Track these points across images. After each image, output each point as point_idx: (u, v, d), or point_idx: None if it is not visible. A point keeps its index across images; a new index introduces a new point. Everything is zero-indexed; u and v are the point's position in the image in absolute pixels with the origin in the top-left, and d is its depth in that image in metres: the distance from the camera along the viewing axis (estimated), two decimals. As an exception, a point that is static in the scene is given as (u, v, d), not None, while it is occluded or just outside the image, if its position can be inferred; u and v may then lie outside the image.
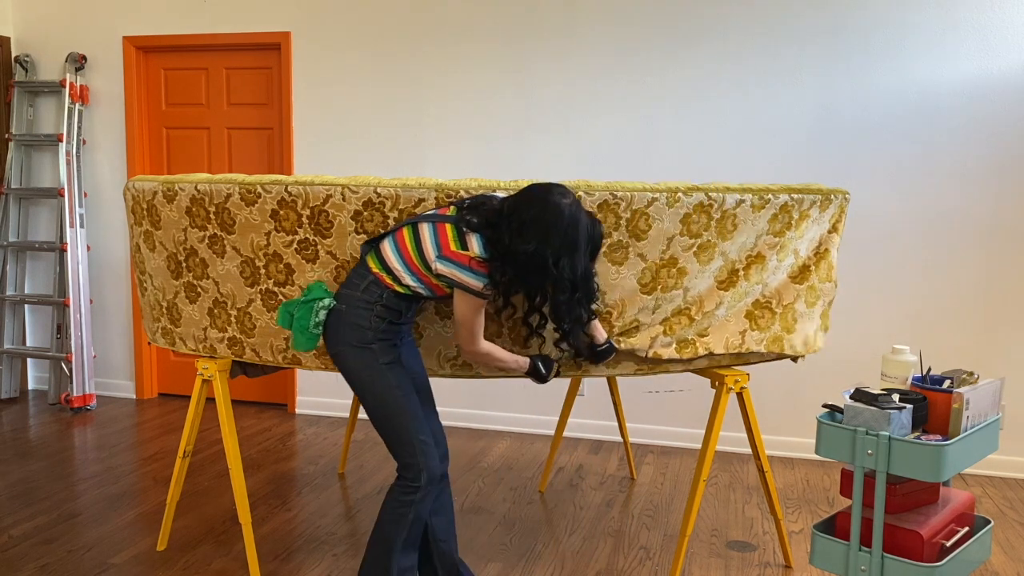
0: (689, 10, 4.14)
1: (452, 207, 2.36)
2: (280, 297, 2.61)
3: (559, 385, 4.51)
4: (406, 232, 2.33)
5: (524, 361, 2.53)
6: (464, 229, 2.25)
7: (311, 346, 2.40)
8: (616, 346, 2.63)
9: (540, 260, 2.20)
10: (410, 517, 2.35)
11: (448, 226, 2.28)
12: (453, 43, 4.44)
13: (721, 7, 4.11)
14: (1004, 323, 3.98)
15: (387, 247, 2.34)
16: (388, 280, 2.31)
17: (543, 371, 2.54)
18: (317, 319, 2.37)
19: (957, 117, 3.94)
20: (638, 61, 4.22)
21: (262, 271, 2.60)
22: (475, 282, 2.25)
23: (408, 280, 2.30)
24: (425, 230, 2.30)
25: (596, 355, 2.60)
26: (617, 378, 4.23)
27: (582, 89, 4.30)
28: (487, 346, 2.42)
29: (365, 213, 2.46)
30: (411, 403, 2.35)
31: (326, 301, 2.37)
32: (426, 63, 4.49)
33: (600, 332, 2.59)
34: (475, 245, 2.23)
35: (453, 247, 2.25)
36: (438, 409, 4.66)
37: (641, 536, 3.25)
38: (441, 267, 2.26)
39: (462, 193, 2.43)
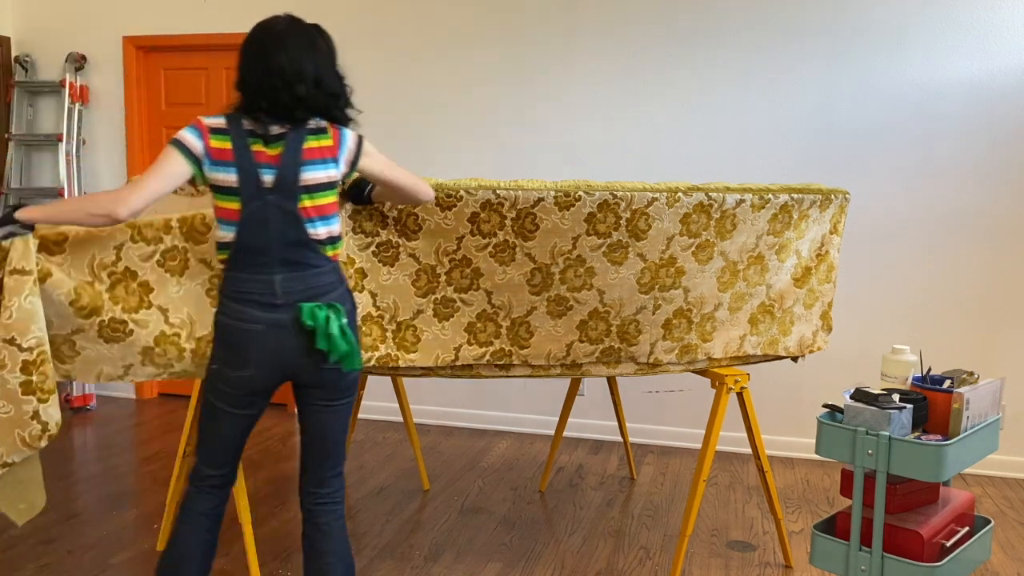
0: (689, 11, 4.14)
1: None
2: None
3: (559, 385, 4.51)
4: None
5: None
6: None
7: None
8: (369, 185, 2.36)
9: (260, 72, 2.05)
10: None
11: None
12: (454, 43, 4.44)
13: (721, 8, 4.11)
14: (1004, 323, 3.98)
15: None
16: None
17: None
18: None
19: (957, 117, 3.94)
20: (638, 61, 4.22)
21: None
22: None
23: None
24: None
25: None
26: (617, 378, 4.23)
27: (582, 89, 4.30)
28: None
29: (365, 212, 2.46)
30: None
31: None
32: (426, 63, 4.49)
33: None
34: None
35: None
36: (442, 408, 4.67)
37: (641, 536, 3.25)
38: None
39: (462, 193, 2.43)
